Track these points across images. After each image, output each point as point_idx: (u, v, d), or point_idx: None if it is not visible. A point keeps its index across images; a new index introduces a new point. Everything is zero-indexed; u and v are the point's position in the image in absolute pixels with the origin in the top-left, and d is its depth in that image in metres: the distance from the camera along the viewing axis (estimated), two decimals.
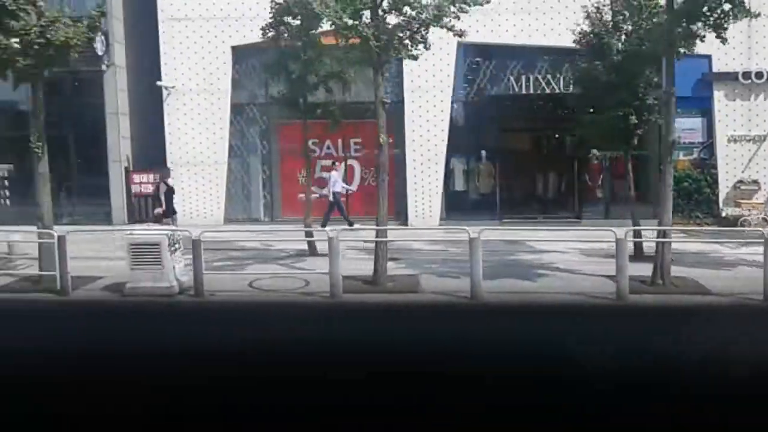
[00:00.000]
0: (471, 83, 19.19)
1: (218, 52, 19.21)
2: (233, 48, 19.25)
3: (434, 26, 11.39)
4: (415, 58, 11.51)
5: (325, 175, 20.54)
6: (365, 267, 12.90)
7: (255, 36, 19.19)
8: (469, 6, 11.07)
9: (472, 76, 19.13)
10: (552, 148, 19.94)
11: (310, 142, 20.33)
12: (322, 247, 15.19)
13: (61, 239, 10.83)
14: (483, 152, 19.61)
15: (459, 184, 19.76)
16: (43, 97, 20.42)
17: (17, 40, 10.52)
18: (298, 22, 13.43)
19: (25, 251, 14.50)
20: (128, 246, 10.75)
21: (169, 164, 19.72)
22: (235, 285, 11.52)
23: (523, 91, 18.93)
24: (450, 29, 11.46)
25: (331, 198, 16.41)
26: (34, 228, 12.96)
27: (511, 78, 18.94)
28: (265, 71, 14.06)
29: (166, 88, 19.17)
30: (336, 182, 16.76)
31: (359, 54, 11.37)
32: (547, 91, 18.90)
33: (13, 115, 20.61)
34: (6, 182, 20.48)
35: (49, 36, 10.59)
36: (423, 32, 11.44)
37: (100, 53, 18.97)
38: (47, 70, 11.48)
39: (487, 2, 11.35)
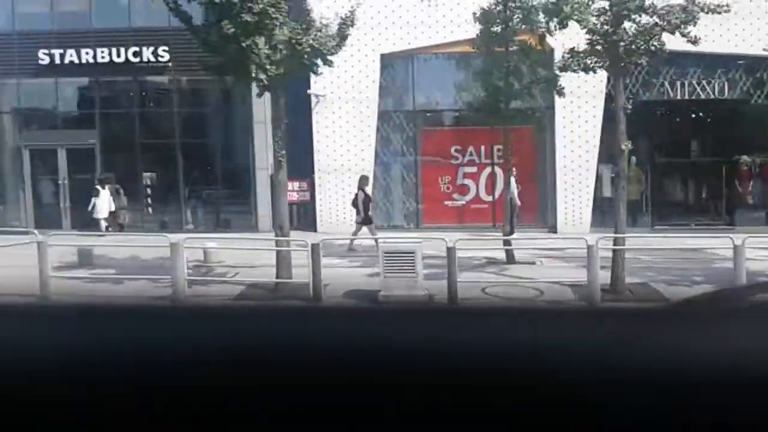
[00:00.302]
0: (623, 88, 19.04)
1: (367, 60, 19.24)
2: (382, 55, 19.27)
3: (672, 33, 11.34)
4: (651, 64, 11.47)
5: (467, 182, 20.60)
6: (567, 275, 12.87)
7: (404, 43, 19.37)
8: (715, 13, 11.01)
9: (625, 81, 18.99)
10: (701, 154, 19.76)
11: (452, 149, 20.39)
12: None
13: (315, 247, 10.84)
14: (633, 158, 19.44)
15: (606, 191, 19.63)
16: (189, 105, 20.68)
17: (269, 48, 10.50)
18: (500, 28, 13.43)
19: (220, 259, 14.54)
20: (382, 254, 10.74)
21: (316, 172, 19.78)
22: (470, 293, 11.47)
23: (678, 97, 18.84)
24: (684, 35, 11.40)
25: (518, 203, 16.32)
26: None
27: (666, 83, 18.83)
28: (474, 78, 14.03)
29: (316, 96, 19.22)
30: (514, 188, 16.65)
31: (596, 60, 11.31)
32: (702, 96, 18.80)
33: (152, 122, 20.77)
34: (149, 190, 20.62)
35: (316, 45, 10.63)
36: (659, 38, 11.39)
37: None
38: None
39: (727, 11, 11.27)
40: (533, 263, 14.16)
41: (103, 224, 19.84)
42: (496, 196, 19.97)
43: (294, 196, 20.19)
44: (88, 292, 11.66)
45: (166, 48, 19.34)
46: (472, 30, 19.05)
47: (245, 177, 20.14)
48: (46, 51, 19.51)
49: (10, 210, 20.93)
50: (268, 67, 10.66)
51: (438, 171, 20.21)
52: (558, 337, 0.66)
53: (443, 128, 20.11)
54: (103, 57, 19.48)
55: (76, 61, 19.53)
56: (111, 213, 20.00)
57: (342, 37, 11.23)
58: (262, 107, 19.79)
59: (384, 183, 20.12)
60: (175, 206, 20.45)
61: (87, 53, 19.48)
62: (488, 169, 20.13)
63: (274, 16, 10.25)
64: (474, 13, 13.85)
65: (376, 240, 15.67)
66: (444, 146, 20.07)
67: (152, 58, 19.41)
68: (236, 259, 14.43)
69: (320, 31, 10.81)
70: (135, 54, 19.40)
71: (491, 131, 19.85)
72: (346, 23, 11.33)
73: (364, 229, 16.49)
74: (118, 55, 19.45)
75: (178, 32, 19.63)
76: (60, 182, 20.29)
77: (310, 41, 10.59)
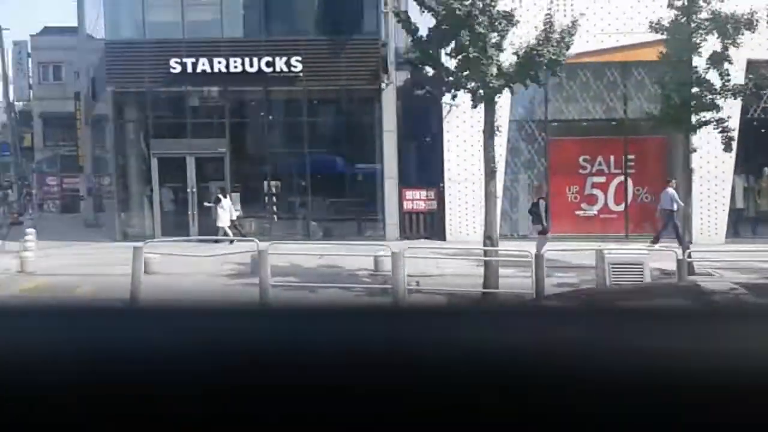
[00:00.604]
0: (758, 98, 18.97)
1: None
2: None
3: None
4: None
5: (595, 192, 20.55)
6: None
7: None
8: None
9: (758, 90, 18.90)
10: None
11: (581, 159, 20.36)
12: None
13: (539, 258, 10.83)
14: (766, 169, 19.38)
15: (738, 202, 19.56)
16: (318, 115, 20.77)
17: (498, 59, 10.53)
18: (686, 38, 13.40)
19: (387, 267, 14.53)
20: (608, 265, 10.72)
21: (446, 180, 19.80)
22: None
23: None
24: None
25: (676, 210, 16.21)
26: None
27: None
28: (660, 87, 14.01)
29: (449, 104, 19.24)
30: (671, 198, 16.51)
31: None
32: None
33: (281, 132, 20.86)
34: (275, 198, 20.71)
35: (553, 56, 10.67)
36: None
37: (386, 71, 19.25)
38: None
39: None
40: (712, 274, 14.05)
41: (230, 232, 19.99)
42: (627, 205, 20.00)
43: (421, 205, 20.28)
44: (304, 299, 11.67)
45: (299, 58, 19.45)
46: (608, 41, 19.23)
47: (373, 186, 20.20)
48: (178, 60, 19.65)
49: (135, 217, 21.10)
50: (492, 77, 10.68)
51: (565, 181, 20.18)
52: (553, 337, 0.67)
53: (572, 138, 20.09)
54: (235, 67, 19.58)
55: (208, 70, 19.66)
56: (232, 221, 20.16)
57: (567, 46, 11.26)
58: (391, 117, 19.92)
59: (513, 192, 20.12)
60: (302, 215, 20.53)
61: (219, 62, 19.60)
62: (617, 179, 20.11)
63: (504, 28, 10.29)
64: (651, 22, 13.82)
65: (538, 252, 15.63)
66: (572, 156, 20.05)
67: (285, 68, 19.53)
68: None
69: (558, 41, 10.85)
70: (268, 64, 19.51)
71: (622, 141, 19.95)
72: (570, 32, 11.35)
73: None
74: (251, 65, 19.56)
75: (311, 42, 19.88)
76: (188, 190, 20.41)
77: (551, 52, 10.63)
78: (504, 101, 19.42)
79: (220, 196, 20.02)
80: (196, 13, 20.38)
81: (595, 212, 19.94)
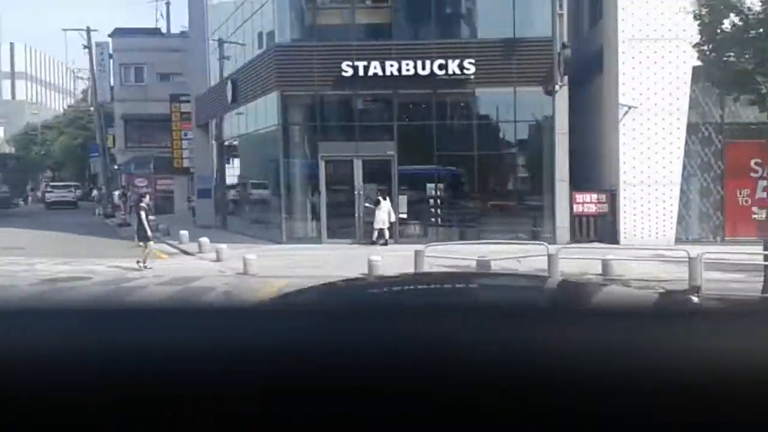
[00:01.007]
0: None
1: (678, 72, 19.14)
2: (693, 68, 19.12)
3: None
4: None
5: (766, 195, 20.35)
6: None
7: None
8: None
9: None
10: None
11: (752, 162, 20.18)
12: None
13: None
14: None
15: None
16: (488, 117, 20.73)
17: None
18: None
19: (615, 271, 14.45)
20: None
21: (620, 183, 19.69)
22: None
23: None
24: None
25: None
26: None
27: None
28: None
29: (627, 107, 19.16)
30: None
31: None
32: None
33: (450, 134, 20.75)
34: (440, 201, 20.69)
35: None
36: None
37: (562, 73, 19.19)
38: None
39: None
40: None
41: (387, 234, 20.10)
42: None
43: (592, 209, 20.19)
44: None
45: (472, 60, 19.43)
46: None
47: (542, 189, 20.13)
48: (350, 63, 19.68)
49: (298, 220, 21.19)
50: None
51: (737, 184, 20.01)
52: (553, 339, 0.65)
53: (746, 141, 19.90)
54: (408, 70, 19.58)
55: (380, 73, 19.67)
56: (392, 223, 20.24)
57: None
58: (563, 119, 19.82)
59: (689, 196, 19.98)
60: (468, 218, 20.51)
61: (391, 66, 19.61)
62: None
63: None
64: None
65: None
66: (744, 159, 19.86)
67: (457, 71, 19.51)
68: (624, 271, 14.35)
69: None
70: (440, 67, 19.49)
71: None
72: None
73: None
74: (423, 68, 19.55)
75: (481, 44, 19.87)
76: (356, 193, 20.47)
77: None
78: (681, 104, 19.41)
79: (380, 198, 20.12)
80: (366, 16, 20.44)
81: (765, 216, 19.75)
